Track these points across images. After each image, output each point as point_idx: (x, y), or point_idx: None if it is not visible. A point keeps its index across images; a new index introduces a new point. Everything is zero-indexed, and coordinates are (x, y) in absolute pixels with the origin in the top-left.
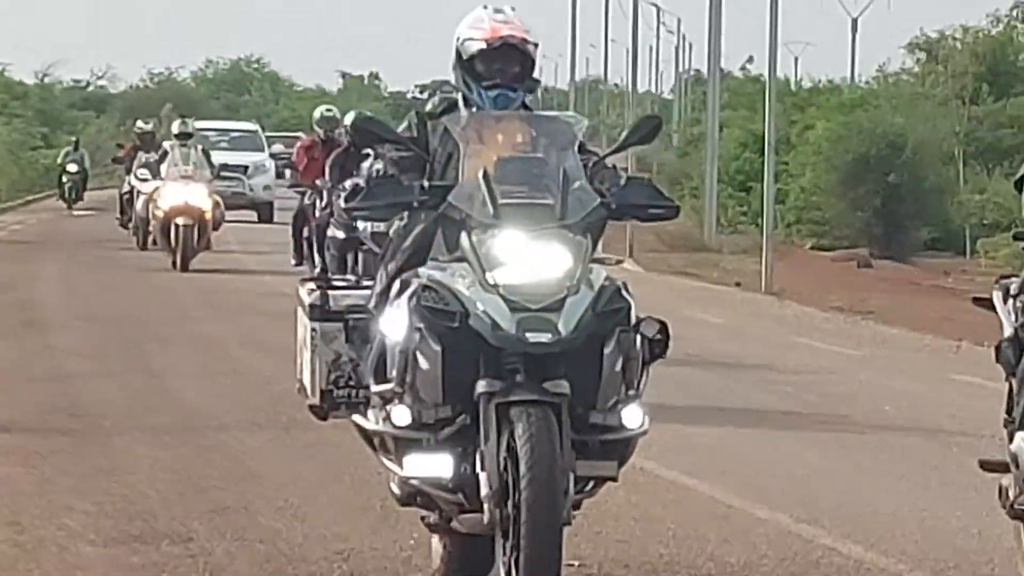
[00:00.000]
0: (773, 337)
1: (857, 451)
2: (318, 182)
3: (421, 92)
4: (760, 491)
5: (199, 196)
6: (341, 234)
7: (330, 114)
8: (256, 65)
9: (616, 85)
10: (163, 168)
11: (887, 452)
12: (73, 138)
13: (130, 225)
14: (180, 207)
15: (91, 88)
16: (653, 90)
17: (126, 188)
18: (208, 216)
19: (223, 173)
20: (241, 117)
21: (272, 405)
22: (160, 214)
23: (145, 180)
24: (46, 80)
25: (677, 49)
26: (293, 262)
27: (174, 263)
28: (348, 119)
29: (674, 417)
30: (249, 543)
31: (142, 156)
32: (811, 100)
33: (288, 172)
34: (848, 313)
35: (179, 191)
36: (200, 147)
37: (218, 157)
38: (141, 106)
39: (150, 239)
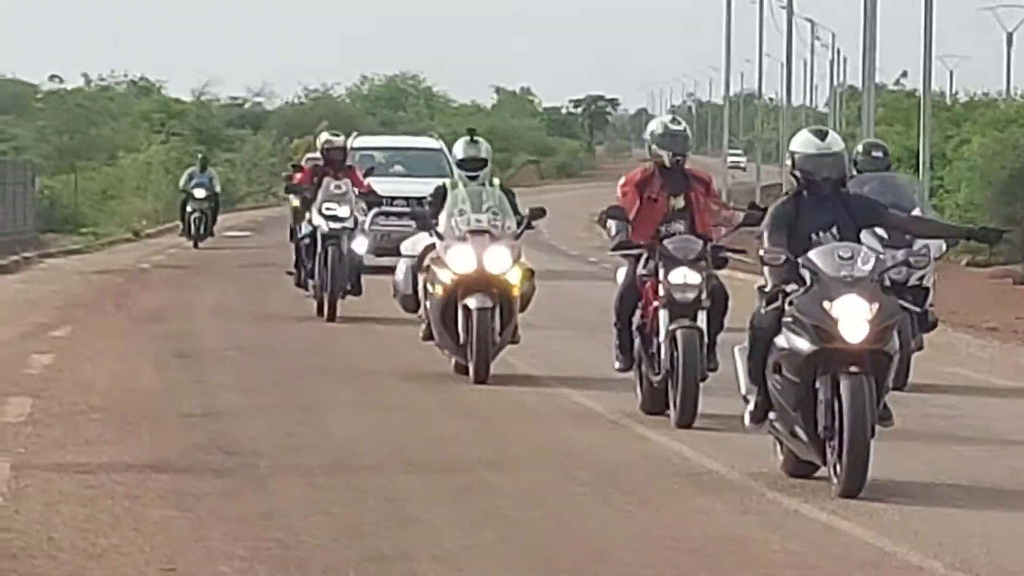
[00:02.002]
0: (924, 365)
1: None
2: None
3: (575, 107)
4: (911, 533)
5: (502, 261)
6: None
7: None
8: (411, 81)
9: (770, 99)
10: (445, 218)
11: None
12: (200, 154)
13: (311, 285)
14: (472, 279)
15: (247, 105)
16: (807, 104)
17: (305, 229)
18: (515, 292)
19: (396, 208)
20: (397, 134)
21: (428, 445)
22: (440, 291)
23: (336, 218)
24: (203, 98)
25: (831, 63)
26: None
27: (464, 370)
28: None
29: None
30: None
31: (330, 184)
32: (966, 115)
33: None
34: (1003, 333)
35: (470, 254)
36: (497, 183)
37: (390, 186)
38: (297, 123)
39: (422, 328)
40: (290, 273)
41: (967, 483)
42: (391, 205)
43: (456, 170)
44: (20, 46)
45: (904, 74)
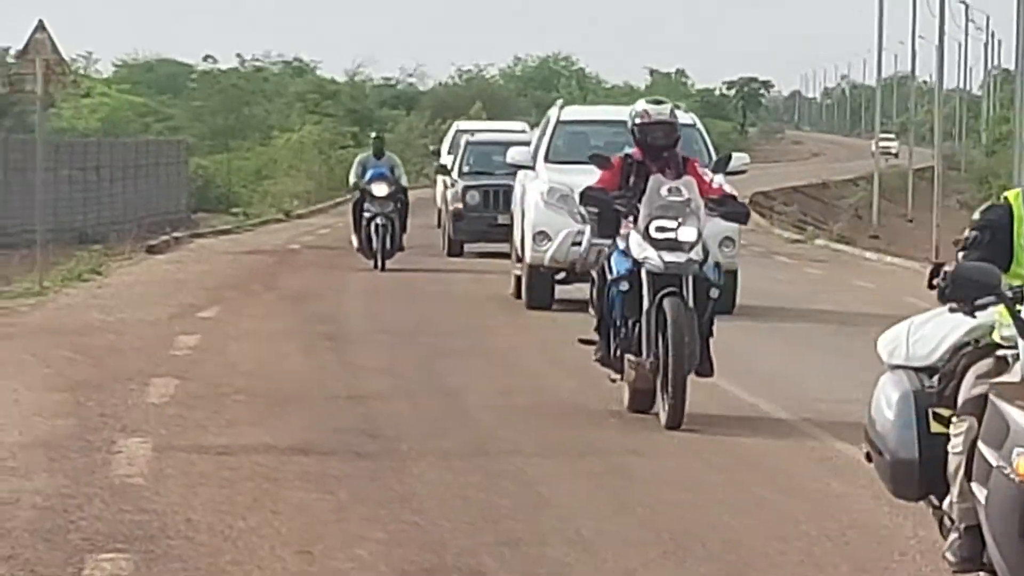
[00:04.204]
0: None
1: None
2: None
3: (728, 89)
4: None
5: None
6: None
7: None
8: (564, 62)
9: (925, 82)
10: None
11: None
12: (373, 134)
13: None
14: None
15: (400, 86)
16: (962, 87)
17: (620, 265)
18: None
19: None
20: None
21: (567, 429)
22: None
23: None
24: (356, 78)
25: (986, 46)
26: None
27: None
28: None
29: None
30: None
31: (661, 187)
32: None
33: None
34: None
35: None
36: None
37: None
38: (450, 103)
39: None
40: (586, 342)
41: None
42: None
43: None
44: (176, 27)
45: None
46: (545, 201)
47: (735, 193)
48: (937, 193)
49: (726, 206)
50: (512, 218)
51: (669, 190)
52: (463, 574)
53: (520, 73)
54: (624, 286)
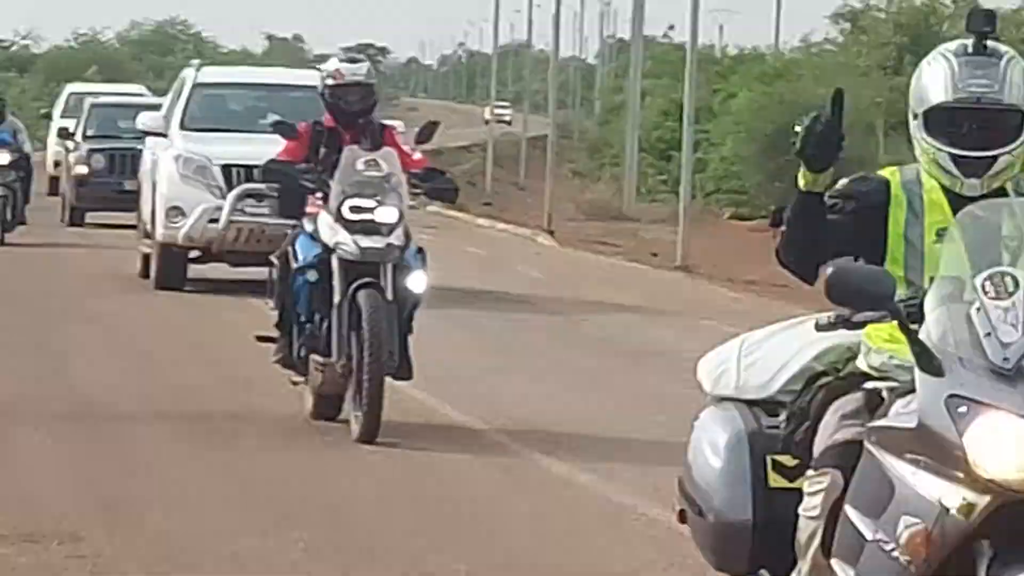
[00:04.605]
0: (679, 320)
1: None
2: None
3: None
4: (652, 490)
5: None
6: None
7: None
8: (181, 27)
9: (541, 50)
10: None
11: None
12: None
13: (317, 365)
14: None
15: (14, 48)
16: (578, 55)
17: (305, 252)
18: None
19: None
20: (166, 79)
21: (174, 393)
22: None
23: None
24: None
25: (601, 15)
26: None
27: None
28: None
29: (574, 408)
30: (139, 543)
31: (356, 159)
32: (734, 69)
33: None
34: (762, 287)
35: None
36: None
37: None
38: (64, 67)
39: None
40: (265, 339)
41: None
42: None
43: None
44: None
45: (672, 27)
46: (180, 173)
47: (440, 168)
48: (550, 161)
49: (432, 182)
50: (140, 188)
51: (366, 163)
52: (63, 540)
53: (137, 37)
54: (312, 276)
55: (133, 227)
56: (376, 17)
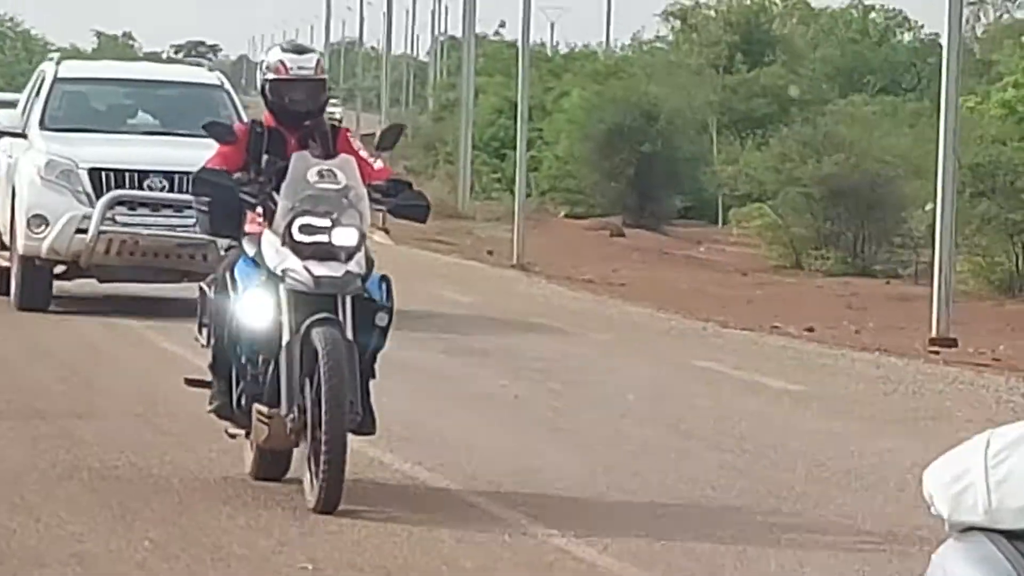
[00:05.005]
0: (520, 318)
1: (597, 444)
2: None
3: (176, 52)
4: (495, 486)
5: None
6: None
7: None
8: (9, 23)
9: (372, 48)
10: None
11: (628, 445)
12: None
13: (260, 415)
14: None
15: None
16: (409, 53)
17: (247, 278)
18: None
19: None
20: None
21: (10, 393)
22: None
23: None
24: None
25: (433, 12)
26: None
27: None
28: None
29: (413, 407)
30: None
31: (308, 168)
32: (567, 67)
33: None
34: (599, 286)
35: None
36: None
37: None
38: None
39: None
40: (196, 383)
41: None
42: (141, 188)
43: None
44: None
45: (503, 24)
46: (43, 178)
47: (407, 180)
48: None
49: (397, 196)
50: None
51: (320, 174)
52: None
53: None
54: None
55: None
56: (206, 15)
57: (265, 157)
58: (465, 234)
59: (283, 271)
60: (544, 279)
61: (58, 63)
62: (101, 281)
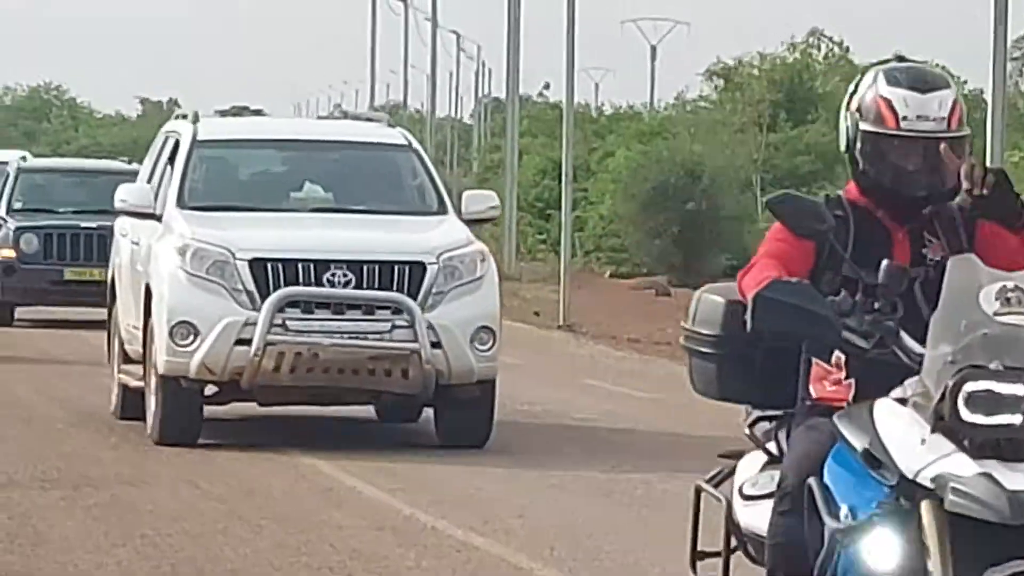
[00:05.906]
0: (566, 379)
1: (642, 505)
2: None
3: (221, 117)
4: (546, 549)
5: None
6: None
7: None
8: (55, 91)
9: (416, 110)
10: None
11: (676, 506)
12: None
13: None
14: None
15: None
16: (453, 115)
17: None
18: None
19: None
20: (40, 145)
21: (63, 460)
22: None
23: None
24: None
25: (477, 75)
26: None
27: None
28: None
29: (464, 470)
30: None
31: None
32: (611, 127)
33: None
34: (644, 344)
35: None
36: None
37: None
38: None
39: None
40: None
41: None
42: (319, 283)
43: None
44: None
45: (547, 86)
46: (188, 272)
47: None
48: None
49: None
50: (112, 286)
51: (1004, 297)
52: None
53: (10, 103)
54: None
55: (81, 325)
56: (251, 80)
57: (885, 263)
58: (511, 295)
59: (937, 480)
60: (590, 339)
61: (194, 122)
62: (262, 404)
